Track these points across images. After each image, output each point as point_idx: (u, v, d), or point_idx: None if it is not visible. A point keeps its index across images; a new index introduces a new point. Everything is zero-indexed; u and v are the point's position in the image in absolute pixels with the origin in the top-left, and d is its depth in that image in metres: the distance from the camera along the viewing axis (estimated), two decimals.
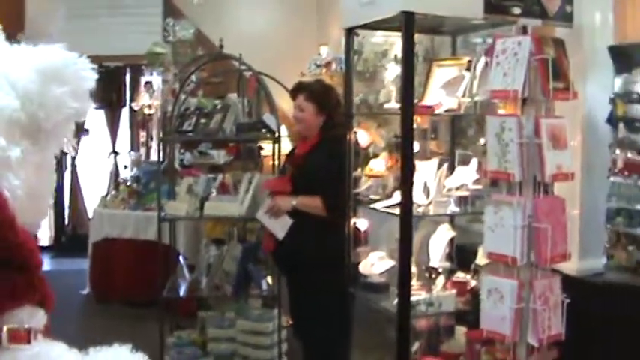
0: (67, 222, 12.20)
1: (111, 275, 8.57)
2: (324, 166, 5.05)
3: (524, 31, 3.73)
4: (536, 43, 3.52)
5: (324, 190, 4.99)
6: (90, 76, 2.06)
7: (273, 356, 5.94)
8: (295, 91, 5.38)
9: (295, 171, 5.27)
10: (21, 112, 1.94)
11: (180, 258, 6.52)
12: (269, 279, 6.00)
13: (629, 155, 4.10)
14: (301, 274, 5.21)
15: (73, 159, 11.93)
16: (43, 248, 11.80)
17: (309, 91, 5.30)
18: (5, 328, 1.86)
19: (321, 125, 5.24)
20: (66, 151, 2.47)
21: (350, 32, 4.71)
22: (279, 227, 5.19)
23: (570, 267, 4.15)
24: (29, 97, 1.93)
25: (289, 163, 5.48)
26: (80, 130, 11.74)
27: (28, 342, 1.91)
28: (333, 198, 4.89)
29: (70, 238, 12.03)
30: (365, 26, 4.64)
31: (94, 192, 11.21)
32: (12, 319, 1.89)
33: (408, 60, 4.03)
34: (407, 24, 3.97)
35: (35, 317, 1.97)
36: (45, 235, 12.05)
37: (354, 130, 4.92)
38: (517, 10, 3.67)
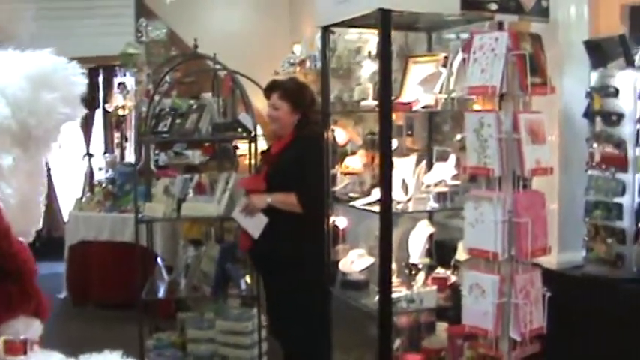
0: (41, 225, 12.09)
1: (88, 278, 8.52)
2: (298, 163, 5.05)
3: (500, 26, 3.74)
4: (513, 39, 3.53)
5: (299, 187, 4.99)
6: (80, 81, 2.04)
7: (254, 356, 5.93)
8: (269, 90, 5.37)
9: (270, 169, 5.27)
10: (11, 120, 1.91)
11: (158, 259, 6.48)
12: (247, 278, 6.00)
13: (606, 149, 4.11)
14: (278, 273, 5.21)
15: (47, 161, 11.83)
16: None
17: (283, 89, 5.30)
18: (1, 340, 1.84)
19: (296, 124, 5.24)
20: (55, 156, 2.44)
21: (326, 30, 4.71)
22: (255, 226, 5.18)
23: (550, 261, 4.17)
24: (19, 104, 1.91)
25: (264, 161, 5.47)
26: None
27: (24, 353, 1.88)
28: (307, 194, 4.89)
29: (44, 241, 11.85)
30: (341, 24, 4.63)
31: (68, 195, 11.12)
32: (8, 330, 1.87)
33: (385, 57, 4.04)
34: (383, 21, 3.98)
35: (31, 328, 1.95)
36: None
37: (332, 127, 4.91)
38: (494, 6, 3.68)
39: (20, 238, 1.95)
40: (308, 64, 9.11)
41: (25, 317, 1.93)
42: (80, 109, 2.05)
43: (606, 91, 4.08)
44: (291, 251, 5.04)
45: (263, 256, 5.27)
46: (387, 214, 4.08)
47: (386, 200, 4.06)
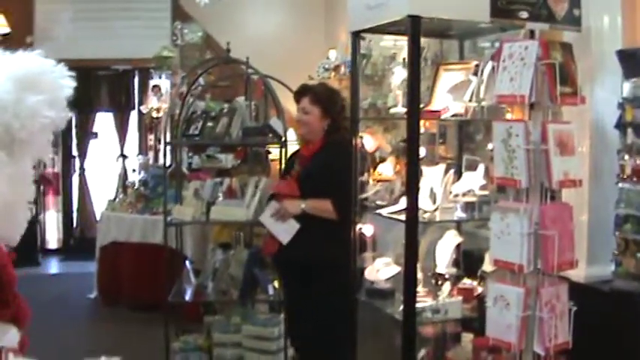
0: (75, 225, 12.21)
1: (118, 279, 8.55)
2: (329, 168, 5.01)
3: (531, 35, 3.68)
4: (543, 48, 3.47)
5: (334, 193, 4.95)
6: (67, 84, 2.01)
7: None
8: (300, 94, 5.35)
9: (300, 174, 5.23)
10: None
11: (187, 262, 6.49)
12: (275, 284, 5.97)
13: (638, 161, 4.05)
14: (304, 279, 5.16)
15: (82, 162, 11.95)
16: (52, 251, 11.85)
17: (314, 94, 5.27)
18: None
19: (325, 129, 5.21)
20: (43, 161, 2.39)
21: (356, 35, 4.67)
22: (285, 231, 5.14)
23: (578, 274, 4.10)
24: (4, 105, 1.88)
25: (296, 164, 5.42)
26: (89, 134, 11.80)
27: None
28: (343, 201, 4.84)
29: (78, 241, 12.05)
30: (371, 30, 4.59)
31: (102, 195, 11.19)
32: None
33: (413, 64, 3.99)
34: (413, 27, 3.93)
35: (6, 335, 1.92)
36: (53, 238, 12.09)
37: (360, 134, 4.87)
38: (524, 14, 3.62)
39: (1, 244, 1.92)
40: (343, 69, 9.07)
41: (1, 324, 1.90)
42: (66, 112, 2.02)
43: (639, 102, 4.02)
44: (319, 257, 5.01)
45: (290, 261, 5.23)
46: (413, 223, 4.02)
47: (412, 209, 4.01)
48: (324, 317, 5.02)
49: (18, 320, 1.96)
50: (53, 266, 11.44)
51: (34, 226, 11.27)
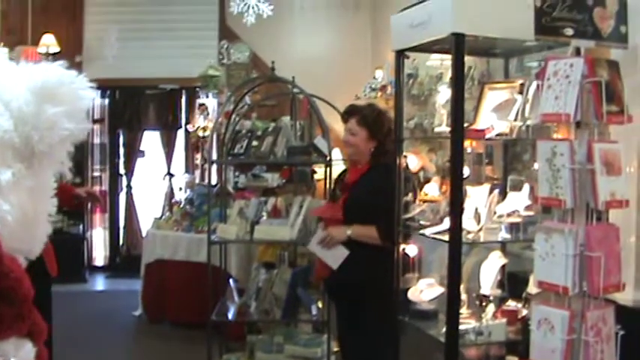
0: (121, 243, 12.31)
1: (162, 297, 8.59)
2: (376, 192, 4.96)
3: (577, 52, 3.62)
4: (589, 65, 3.41)
5: (379, 219, 4.90)
6: (87, 96, 1.99)
7: None
8: (347, 115, 5.32)
9: (347, 198, 5.19)
10: (13, 133, 1.88)
11: (231, 281, 6.49)
12: (319, 304, 5.94)
13: None
14: (353, 301, 5.13)
15: (129, 180, 12.06)
16: (98, 268, 11.96)
17: (362, 115, 5.23)
18: None
19: (372, 151, 5.17)
20: (65, 175, 2.38)
21: (400, 54, 4.65)
22: (334, 258, 5.10)
23: (625, 297, 4.00)
24: (23, 118, 1.88)
25: (340, 189, 5.39)
26: (136, 152, 11.90)
27: None
28: (387, 227, 4.79)
29: (124, 258, 12.16)
30: (415, 48, 4.57)
31: (149, 213, 11.27)
32: None
33: (458, 82, 3.97)
34: (457, 46, 3.91)
35: (22, 349, 1.90)
36: (100, 255, 12.19)
37: (404, 154, 4.83)
38: (570, 32, 3.56)
39: (20, 257, 1.91)
40: (389, 89, 9.04)
41: (17, 339, 1.88)
42: (85, 124, 2.01)
43: None
44: (368, 280, 4.97)
45: (342, 284, 5.19)
46: (457, 244, 3.98)
47: (455, 229, 3.97)
48: (373, 339, 4.98)
49: (34, 335, 1.94)
50: (99, 283, 11.54)
51: (82, 244, 11.40)
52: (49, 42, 10.50)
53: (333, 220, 5.17)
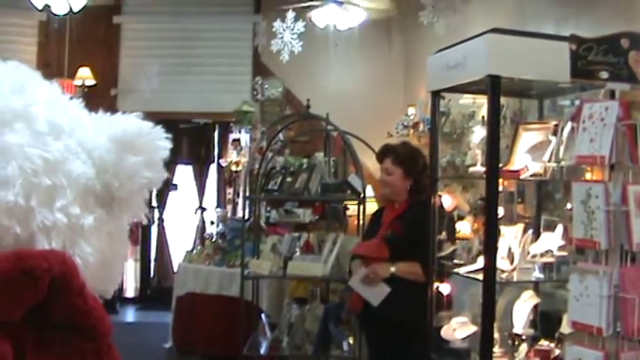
0: (152, 275, 12.36)
1: (193, 330, 8.59)
2: (417, 229, 4.98)
3: (612, 95, 3.66)
4: (624, 108, 3.44)
5: (423, 254, 4.90)
6: (164, 146, 2.07)
7: None
8: (382, 155, 5.36)
9: (386, 235, 5.21)
10: (96, 181, 1.96)
11: (263, 316, 6.52)
12: (350, 340, 5.96)
13: None
14: (387, 336, 5.14)
15: (161, 213, 12.13)
16: (129, 300, 11.99)
17: (396, 154, 5.27)
18: None
19: (408, 189, 5.21)
20: (141, 221, 2.47)
21: (436, 95, 4.70)
22: (376, 295, 5.06)
23: None
24: (104, 166, 1.96)
25: (379, 226, 5.38)
26: (169, 185, 11.98)
27: None
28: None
29: (154, 290, 12.20)
30: (451, 89, 4.62)
31: (180, 246, 11.32)
32: None
33: (493, 124, 4.00)
34: (493, 87, 3.95)
35: None
36: (131, 287, 12.25)
37: (439, 193, 4.87)
38: (605, 75, 3.60)
39: (97, 296, 1.98)
40: (422, 127, 9.09)
41: None
42: (162, 173, 2.09)
43: None
44: (404, 315, 4.97)
45: (375, 319, 5.19)
46: (491, 283, 4.01)
47: (489, 268, 4.00)
48: None
49: None
50: (130, 315, 11.57)
51: None
52: (85, 75, 10.63)
53: (377, 258, 5.17)
